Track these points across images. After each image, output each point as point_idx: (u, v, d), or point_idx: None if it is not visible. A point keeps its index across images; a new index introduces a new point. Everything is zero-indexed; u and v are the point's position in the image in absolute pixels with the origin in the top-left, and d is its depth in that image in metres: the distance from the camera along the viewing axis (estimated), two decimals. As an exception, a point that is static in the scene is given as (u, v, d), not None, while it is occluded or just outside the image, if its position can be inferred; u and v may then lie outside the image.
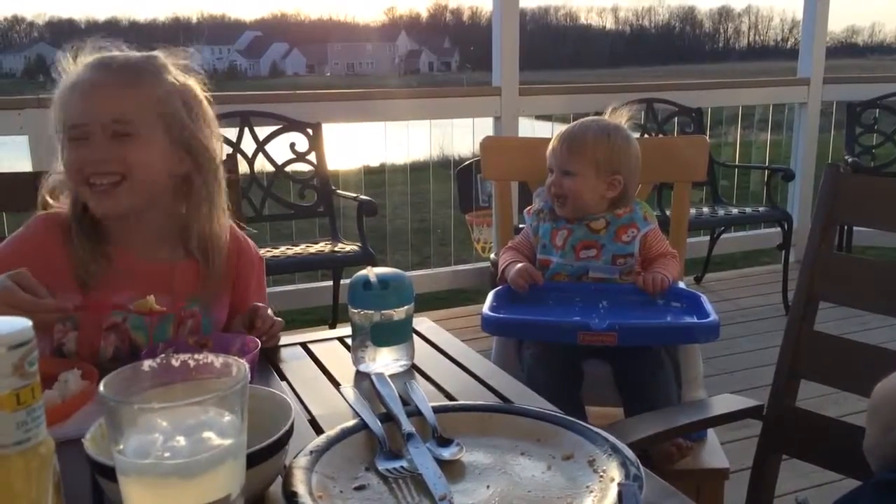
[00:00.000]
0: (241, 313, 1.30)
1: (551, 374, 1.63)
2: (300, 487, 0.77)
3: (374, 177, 5.25)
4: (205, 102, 1.26)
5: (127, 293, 1.20)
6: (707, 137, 2.81)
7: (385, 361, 1.16)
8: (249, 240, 1.39)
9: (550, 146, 1.81)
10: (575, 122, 1.83)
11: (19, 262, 1.12)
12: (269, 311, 1.30)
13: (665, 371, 1.65)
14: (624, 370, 1.67)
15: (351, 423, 0.91)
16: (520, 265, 1.71)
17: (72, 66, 1.21)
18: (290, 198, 3.54)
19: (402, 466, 0.84)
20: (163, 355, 0.69)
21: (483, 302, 1.64)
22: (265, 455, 0.75)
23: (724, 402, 1.43)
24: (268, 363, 1.22)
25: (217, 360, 0.67)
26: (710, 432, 1.63)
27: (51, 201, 1.27)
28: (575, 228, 1.76)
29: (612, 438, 0.86)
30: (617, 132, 1.78)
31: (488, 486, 0.81)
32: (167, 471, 0.60)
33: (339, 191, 3.52)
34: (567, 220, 1.78)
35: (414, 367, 1.19)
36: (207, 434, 0.62)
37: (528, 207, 1.89)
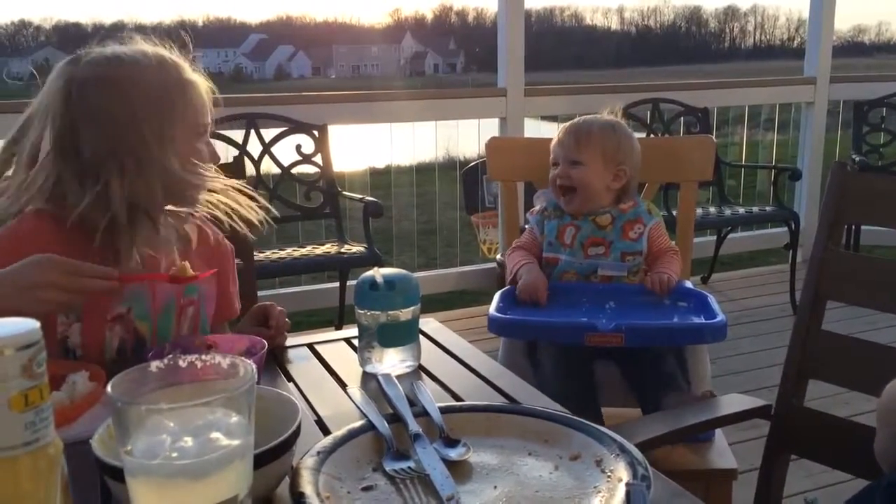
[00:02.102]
0: (250, 310, 1.31)
1: (563, 373, 1.63)
2: (307, 488, 0.77)
3: (380, 178, 5.25)
4: (145, 88, 1.17)
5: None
6: (713, 137, 2.80)
7: (392, 362, 1.16)
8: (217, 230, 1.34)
9: (556, 138, 1.83)
10: (578, 118, 1.84)
11: (11, 259, 1.05)
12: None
13: (671, 366, 1.64)
14: (631, 371, 1.67)
15: (358, 423, 0.91)
16: (530, 278, 1.69)
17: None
18: (296, 199, 3.54)
19: (409, 467, 0.84)
20: (170, 356, 0.69)
21: (489, 303, 1.64)
22: (272, 456, 0.75)
23: (732, 402, 1.43)
24: (275, 364, 1.23)
25: (224, 361, 0.68)
26: (718, 433, 1.63)
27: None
28: (582, 225, 1.77)
29: (619, 438, 0.86)
30: (621, 126, 1.82)
31: (496, 487, 0.81)
32: (175, 472, 0.60)
33: (344, 192, 3.52)
34: (573, 216, 1.78)
35: (420, 368, 1.19)
36: (215, 435, 0.62)
37: (531, 209, 1.88)
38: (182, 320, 1.27)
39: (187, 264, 1.14)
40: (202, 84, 1.22)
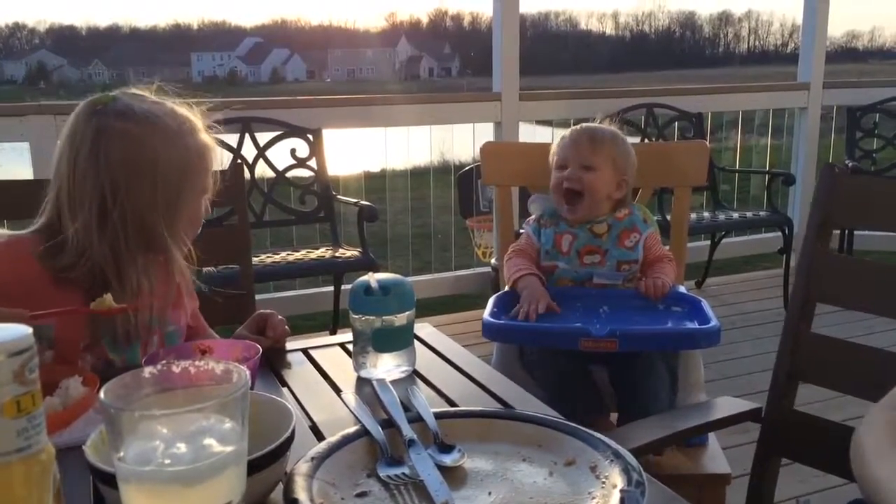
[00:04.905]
0: (250, 318, 1.31)
1: (557, 378, 1.63)
2: (301, 494, 0.77)
3: (375, 182, 5.25)
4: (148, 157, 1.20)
5: None
6: (707, 142, 2.81)
7: (386, 367, 1.16)
8: None
9: (567, 139, 1.78)
10: (583, 124, 1.82)
11: None
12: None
13: (656, 375, 1.64)
14: (618, 374, 1.67)
15: (352, 429, 0.91)
16: (536, 291, 1.66)
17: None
18: (290, 203, 3.54)
19: (403, 473, 0.83)
20: (164, 362, 0.69)
21: (484, 307, 1.64)
22: (266, 462, 0.75)
23: (722, 406, 1.43)
24: (269, 369, 1.22)
25: (218, 367, 0.68)
26: (712, 437, 1.63)
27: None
28: (578, 233, 1.76)
29: (614, 444, 0.86)
30: (621, 135, 1.82)
31: (490, 493, 0.81)
32: (168, 478, 0.60)
33: (339, 196, 3.52)
34: (569, 223, 1.78)
35: (415, 373, 1.19)
36: (208, 441, 0.62)
37: (528, 218, 1.87)
38: (148, 351, 1.26)
39: (108, 297, 1.14)
40: (215, 148, 1.27)
